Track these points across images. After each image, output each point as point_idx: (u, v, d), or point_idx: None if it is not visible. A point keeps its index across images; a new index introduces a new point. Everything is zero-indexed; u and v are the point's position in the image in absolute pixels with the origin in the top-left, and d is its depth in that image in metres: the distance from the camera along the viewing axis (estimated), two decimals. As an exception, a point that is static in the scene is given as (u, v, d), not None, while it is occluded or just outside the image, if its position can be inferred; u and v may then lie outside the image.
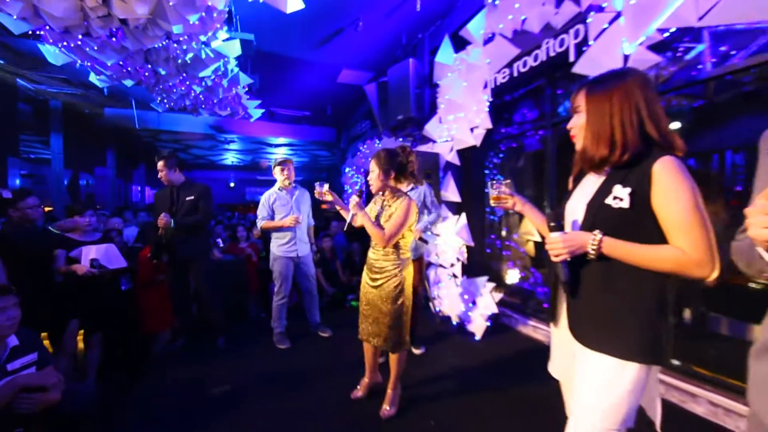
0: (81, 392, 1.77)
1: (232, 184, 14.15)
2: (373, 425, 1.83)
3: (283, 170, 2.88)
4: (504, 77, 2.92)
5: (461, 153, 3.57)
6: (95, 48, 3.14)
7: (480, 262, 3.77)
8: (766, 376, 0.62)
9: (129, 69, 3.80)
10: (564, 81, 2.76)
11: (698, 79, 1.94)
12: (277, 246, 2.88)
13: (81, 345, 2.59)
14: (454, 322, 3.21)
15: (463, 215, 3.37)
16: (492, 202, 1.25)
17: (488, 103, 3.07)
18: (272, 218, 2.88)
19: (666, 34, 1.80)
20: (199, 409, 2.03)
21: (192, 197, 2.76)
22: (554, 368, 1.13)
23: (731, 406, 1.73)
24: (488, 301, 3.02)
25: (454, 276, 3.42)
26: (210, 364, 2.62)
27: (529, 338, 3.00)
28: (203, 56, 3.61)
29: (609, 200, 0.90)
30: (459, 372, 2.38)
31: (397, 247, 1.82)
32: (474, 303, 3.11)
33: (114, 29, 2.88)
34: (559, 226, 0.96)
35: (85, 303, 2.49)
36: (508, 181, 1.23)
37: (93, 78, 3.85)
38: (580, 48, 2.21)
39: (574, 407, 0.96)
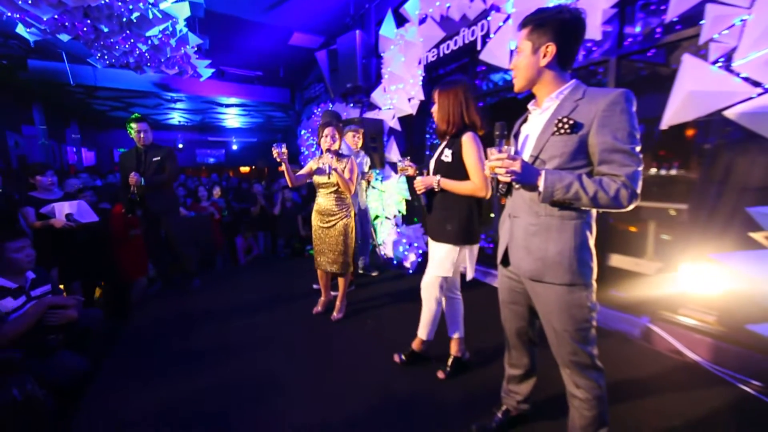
0: (92, 314, 2.23)
1: (180, 146, 13.39)
2: (326, 326, 2.53)
3: (354, 135, 3.19)
4: (433, 56, 3.44)
5: (403, 119, 4.11)
6: (29, 1, 3.06)
7: (419, 213, 4.50)
8: (501, 234, 1.29)
9: (66, 24, 3.64)
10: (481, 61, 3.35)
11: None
12: (359, 202, 3.30)
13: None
14: (395, 261, 3.97)
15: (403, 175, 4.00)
16: (399, 172, 1.90)
17: (422, 78, 3.59)
18: None
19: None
20: (186, 329, 2.57)
21: (158, 158, 3.05)
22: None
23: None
24: (420, 242, 3.79)
25: (396, 225, 4.14)
26: (189, 299, 3.12)
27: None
28: (150, 16, 3.57)
29: (443, 157, 1.60)
30: (392, 294, 3.14)
31: (344, 196, 2.44)
32: (410, 245, 3.87)
33: (52, -16, 2.85)
34: (420, 174, 1.67)
35: (62, 254, 2.81)
36: (409, 157, 1.90)
37: (21, 30, 3.62)
38: (485, 39, 2.79)
39: (428, 269, 1.73)
